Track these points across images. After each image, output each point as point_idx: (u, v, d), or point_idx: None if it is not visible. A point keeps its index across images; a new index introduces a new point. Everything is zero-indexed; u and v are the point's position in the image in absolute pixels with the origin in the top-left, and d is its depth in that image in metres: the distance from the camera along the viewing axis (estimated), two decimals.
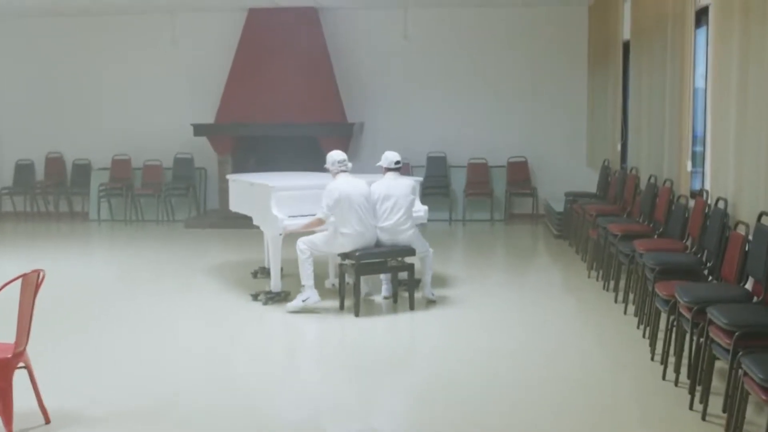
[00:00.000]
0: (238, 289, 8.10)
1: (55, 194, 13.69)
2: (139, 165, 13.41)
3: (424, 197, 12.63)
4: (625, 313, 6.98)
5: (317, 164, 11.18)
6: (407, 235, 7.22)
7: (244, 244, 10.41)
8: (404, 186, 7.26)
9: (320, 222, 7.06)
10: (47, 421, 4.67)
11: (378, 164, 7.52)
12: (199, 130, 12.60)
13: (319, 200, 7.09)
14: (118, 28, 13.46)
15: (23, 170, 13.84)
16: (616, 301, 7.39)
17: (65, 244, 11.62)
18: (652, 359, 5.68)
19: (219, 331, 6.82)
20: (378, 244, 7.20)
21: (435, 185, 12.78)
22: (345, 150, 12.88)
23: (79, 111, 13.67)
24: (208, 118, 12.81)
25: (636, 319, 6.60)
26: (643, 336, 6.21)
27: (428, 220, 8.26)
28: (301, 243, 7.11)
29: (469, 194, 12.70)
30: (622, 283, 7.41)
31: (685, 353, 5.23)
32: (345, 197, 6.96)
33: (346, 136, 12.63)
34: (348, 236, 6.98)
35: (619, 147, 10.27)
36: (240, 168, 12.68)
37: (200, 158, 13.29)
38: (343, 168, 7.18)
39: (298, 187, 7.54)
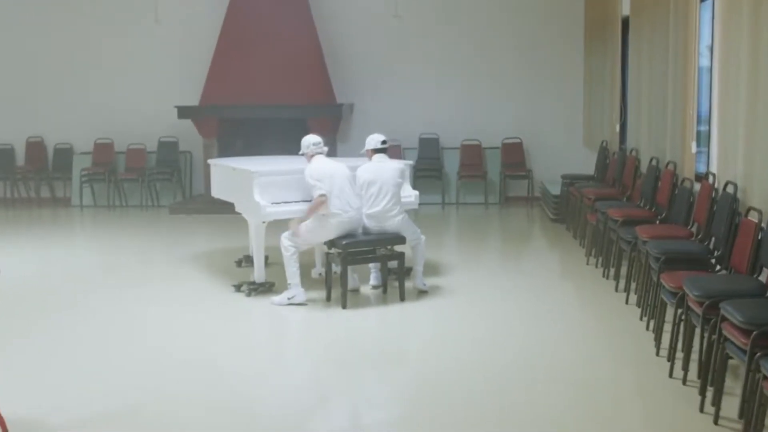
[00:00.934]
0: (221, 278, 7.74)
1: (36, 180, 13.28)
2: (123, 149, 12.99)
3: (416, 180, 12.34)
4: (626, 302, 6.63)
5: None
6: (395, 221, 6.85)
7: (229, 231, 10.03)
8: (391, 169, 6.89)
9: (323, 200, 6.59)
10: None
11: (362, 150, 7.14)
12: (183, 112, 12.18)
13: (302, 185, 6.72)
14: (99, 6, 12.99)
15: (3, 155, 13.39)
16: (616, 289, 7.03)
17: (44, 231, 11.22)
18: (657, 354, 5.34)
19: (198, 325, 6.44)
20: (365, 231, 6.83)
21: (427, 167, 12.41)
22: (334, 132, 12.60)
23: (60, 93, 13.22)
24: (194, 100, 12.39)
25: (639, 310, 6.25)
26: (647, 329, 5.87)
27: (420, 204, 7.89)
28: (285, 239, 6.75)
29: (463, 177, 12.33)
30: (623, 271, 7.07)
31: (694, 349, 4.87)
32: (327, 176, 6.61)
33: (335, 117, 12.25)
34: (333, 218, 6.60)
35: (617, 127, 9.90)
36: (226, 152, 12.30)
37: (185, 142, 12.87)
38: (319, 150, 6.82)
39: (282, 172, 7.14)
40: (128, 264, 8.95)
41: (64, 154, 13.27)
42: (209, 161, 8.32)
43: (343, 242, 6.62)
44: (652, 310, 5.82)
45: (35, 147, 13.38)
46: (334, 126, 12.48)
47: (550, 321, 6.36)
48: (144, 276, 8.21)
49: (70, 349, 5.84)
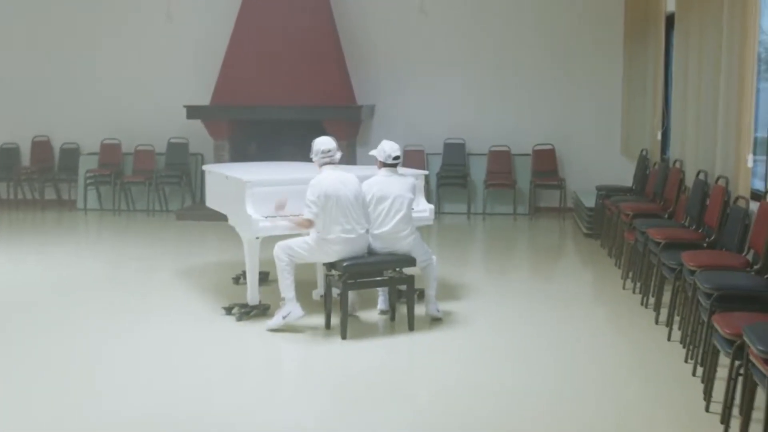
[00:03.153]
0: (214, 297, 6.98)
1: (40, 181, 12.64)
2: (130, 150, 12.31)
3: (440, 188, 11.56)
4: (669, 339, 5.75)
5: None
6: (407, 242, 6.03)
7: (235, 240, 9.18)
8: (402, 184, 6.07)
9: (308, 223, 5.88)
10: None
11: (371, 153, 6.33)
12: (192, 112, 11.46)
13: (302, 197, 5.92)
14: (109, 2, 12.35)
15: (7, 155, 12.78)
16: (656, 321, 6.16)
17: (43, 236, 10.54)
18: (708, 410, 4.46)
19: (181, 354, 5.67)
20: (371, 252, 6.03)
21: (452, 175, 11.59)
22: (354, 135, 11.81)
23: (68, 91, 12.58)
24: (206, 99, 11.67)
25: (684, 351, 5.37)
26: (693, 373, 4.99)
27: (444, 214, 7.07)
28: (279, 249, 5.96)
29: (490, 185, 11.46)
30: (664, 298, 6.20)
31: (758, 405, 4.01)
32: (332, 195, 5.81)
33: (354, 120, 11.46)
34: (332, 243, 5.82)
35: (659, 135, 9.01)
36: (239, 155, 11.59)
37: (196, 143, 12.16)
38: (328, 159, 6.01)
39: (278, 182, 6.36)
40: (122, 277, 8.27)
41: (71, 155, 12.62)
42: (204, 167, 7.57)
43: (345, 263, 5.81)
44: (700, 355, 4.94)
45: (41, 147, 12.75)
46: (354, 129, 11.70)
47: (581, 359, 5.50)
48: (135, 293, 7.44)
49: (36, 376, 5.11)
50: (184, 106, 11.40)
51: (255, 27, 11.46)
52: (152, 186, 12.01)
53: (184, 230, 10.67)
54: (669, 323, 5.86)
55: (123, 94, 12.42)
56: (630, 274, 7.35)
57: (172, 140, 12.18)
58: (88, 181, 12.12)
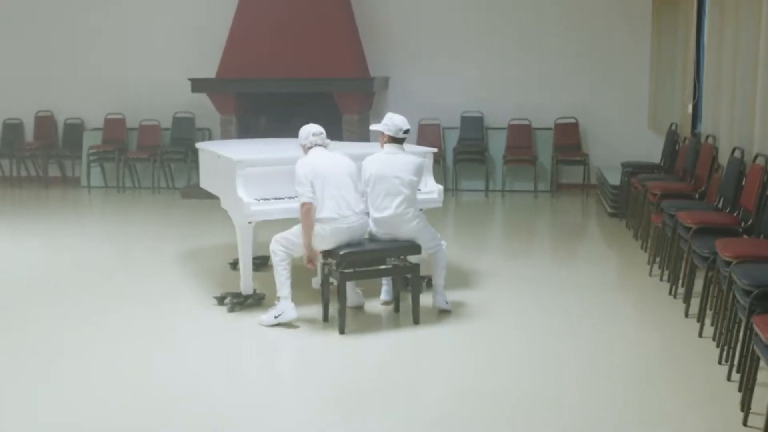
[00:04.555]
0: (208, 284, 6.52)
1: (44, 157, 12.22)
2: (135, 125, 11.85)
3: (457, 165, 11.01)
4: (700, 335, 5.20)
5: (334, 127, 9.60)
6: (410, 227, 5.50)
7: None
8: (405, 163, 5.52)
9: (310, 210, 5.34)
10: None
11: (373, 127, 5.80)
12: (197, 85, 10.96)
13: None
14: None
15: (11, 130, 12.39)
16: (686, 314, 5.61)
17: (44, 215, 10.14)
18: (745, 424, 3.92)
19: (166, 349, 5.21)
20: (371, 238, 5.52)
21: (470, 150, 11.04)
22: (367, 109, 11.27)
23: (71, 65, 12.13)
24: (212, 72, 11.16)
25: (718, 351, 4.82)
26: (728, 377, 4.45)
27: (462, 191, 6.53)
28: (275, 243, 5.47)
29: (510, 161, 10.90)
30: (695, 287, 5.67)
31: None
32: (320, 172, 5.32)
33: (367, 92, 10.91)
34: (326, 224, 5.31)
35: (690, 108, 8.41)
36: (247, 130, 11.10)
37: (203, 118, 11.68)
38: (319, 142, 5.51)
39: (273, 161, 5.85)
40: (120, 261, 7.90)
41: (75, 130, 12.21)
42: (197, 145, 7.05)
43: (342, 252, 5.30)
44: (736, 357, 4.40)
45: (44, 122, 12.34)
46: (367, 102, 11.16)
47: (605, 359, 4.95)
48: (130, 278, 6.98)
49: (28, 367, 4.69)
50: (189, 79, 10.89)
51: None
52: (157, 162, 11.55)
53: (188, 209, 10.23)
54: (700, 318, 5.30)
55: (127, 66, 11.95)
56: (657, 260, 6.79)
57: (178, 115, 11.70)
58: (92, 158, 11.69)
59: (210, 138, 11.65)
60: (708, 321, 5.24)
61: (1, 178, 12.31)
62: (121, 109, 11.87)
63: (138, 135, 11.80)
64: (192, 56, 11.56)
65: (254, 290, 5.98)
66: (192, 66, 11.32)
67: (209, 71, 11.15)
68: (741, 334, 4.33)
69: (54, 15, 12.05)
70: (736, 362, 4.42)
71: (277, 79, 10.78)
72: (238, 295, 5.92)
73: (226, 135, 11.03)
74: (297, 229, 5.48)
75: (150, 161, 11.55)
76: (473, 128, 11.21)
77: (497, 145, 11.13)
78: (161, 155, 11.54)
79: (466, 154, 11.03)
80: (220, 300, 5.97)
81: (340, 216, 5.31)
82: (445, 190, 8.14)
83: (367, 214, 5.49)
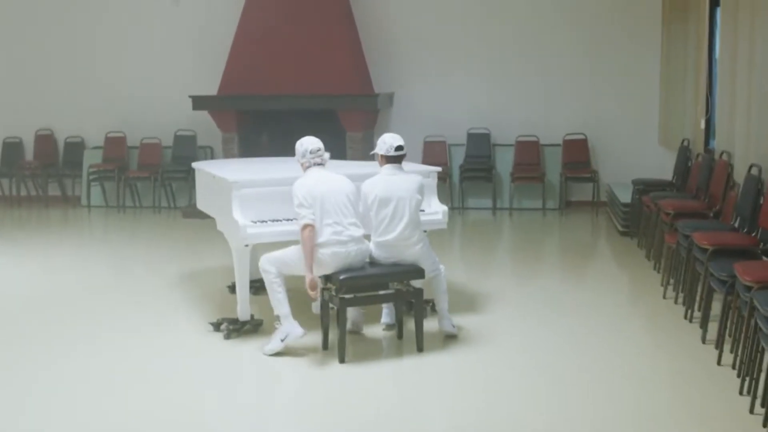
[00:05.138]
0: (205, 308, 6.30)
1: (44, 176, 12.04)
2: (136, 143, 11.66)
3: (464, 182, 10.78)
4: (719, 363, 4.95)
5: (337, 145, 9.39)
6: (414, 250, 5.28)
7: None
8: (408, 182, 5.30)
9: (312, 232, 5.10)
10: None
11: (372, 152, 5.60)
12: (198, 103, 10.77)
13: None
14: None
15: (10, 149, 12.20)
16: (704, 340, 5.35)
17: (42, 235, 9.94)
18: None
19: (164, 378, 4.98)
20: (373, 262, 5.29)
21: (476, 167, 10.79)
22: (371, 126, 11.05)
23: (72, 82, 11.94)
24: (214, 89, 10.97)
25: (738, 380, 4.56)
26: (751, 411, 4.19)
27: (468, 209, 6.31)
28: (265, 261, 5.25)
29: (517, 178, 10.66)
30: (713, 310, 5.41)
31: None
32: (318, 194, 5.11)
33: (371, 109, 10.71)
34: (325, 248, 5.08)
35: (703, 123, 8.16)
36: (249, 148, 10.89)
37: (204, 136, 11.46)
38: (319, 159, 5.29)
39: (270, 182, 5.63)
40: (118, 282, 7.73)
41: (75, 149, 12.01)
42: (193, 165, 6.84)
43: (341, 277, 5.07)
44: (762, 393, 4.13)
45: (45, 140, 12.15)
46: (371, 119, 10.95)
47: (619, 390, 4.69)
48: (126, 301, 6.76)
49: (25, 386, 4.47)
50: (190, 97, 10.71)
51: (264, 11, 10.73)
52: (158, 181, 11.35)
53: (189, 229, 10.01)
54: (719, 344, 5.04)
55: (128, 84, 11.76)
56: (671, 281, 6.54)
57: (179, 133, 11.51)
58: (92, 177, 11.50)
59: (212, 156, 11.45)
60: (727, 347, 4.99)
61: (0, 198, 12.12)
62: (122, 127, 11.69)
63: (139, 153, 11.61)
64: (193, 73, 11.38)
65: (252, 316, 5.75)
66: (193, 83, 11.14)
67: (211, 88, 10.97)
68: (765, 363, 4.07)
69: (54, 34, 11.89)
70: (760, 394, 4.15)
71: (280, 96, 10.59)
72: (234, 321, 5.69)
73: (228, 153, 10.84)
74: (292, 250, 5.25)
75: (151, 180, 11.35)
76: (480, 145, 10.98)
77: (504, 162, 10.90)
78: (162, 174, 11.34)
79: (472, 172, 10.81)
80: (216, 326, 5.74)
81: (338, 242, 5.08)
82: (452, 208, 7.94)
83: (368, 238, 5.26)
